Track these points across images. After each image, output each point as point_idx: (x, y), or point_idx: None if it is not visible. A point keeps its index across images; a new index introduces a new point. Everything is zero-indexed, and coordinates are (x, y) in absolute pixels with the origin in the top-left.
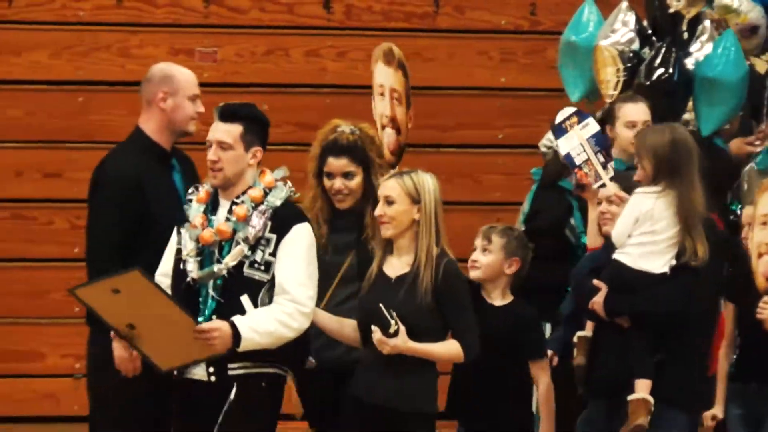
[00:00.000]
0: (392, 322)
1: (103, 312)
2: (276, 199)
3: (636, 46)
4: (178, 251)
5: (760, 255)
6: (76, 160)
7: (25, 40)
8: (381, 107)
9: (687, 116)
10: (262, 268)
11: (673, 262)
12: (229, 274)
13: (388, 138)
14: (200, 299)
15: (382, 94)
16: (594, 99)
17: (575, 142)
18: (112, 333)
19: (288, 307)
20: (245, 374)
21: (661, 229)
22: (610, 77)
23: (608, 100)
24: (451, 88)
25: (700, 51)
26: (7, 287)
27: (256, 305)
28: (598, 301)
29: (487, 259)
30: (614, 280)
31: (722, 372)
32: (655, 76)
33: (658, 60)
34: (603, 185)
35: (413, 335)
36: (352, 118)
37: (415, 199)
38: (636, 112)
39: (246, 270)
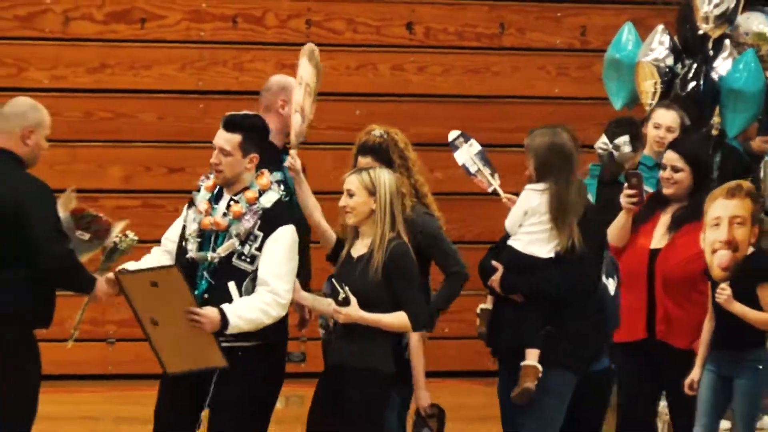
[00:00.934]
0: (341, 292)
1: (135, 301)
2: (267, 201)
3: (671, 61)
4: (183, 228)
5: (714, 251)
6: (197, 157)
7: (155, 56)
8: (297, 96)
9: (713, 120)
10: (248, 260)
11: (558, 248)
12: (220, 262)
13: (295, 122)
14: (197, 275)
15: (299, 84)
16: (632, 107)
17: (467, 156)
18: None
19: (267, 297)
20: (229, 347)
21: (546, 220)
22: (649, 88)
23: (647, 108)
24: (514, 96)
25: (722, 66)
26: None
27: (240, 291)
28: (495, 279)
29: None
30: (508, 262)
31: (704, 340)
32: (689, 88)
33: (690, 74)
34: (495, 190)
35: (366, 306)
36: (430, 123)
37: (372, 192)
38: (664, 116)
39: (234, 260)
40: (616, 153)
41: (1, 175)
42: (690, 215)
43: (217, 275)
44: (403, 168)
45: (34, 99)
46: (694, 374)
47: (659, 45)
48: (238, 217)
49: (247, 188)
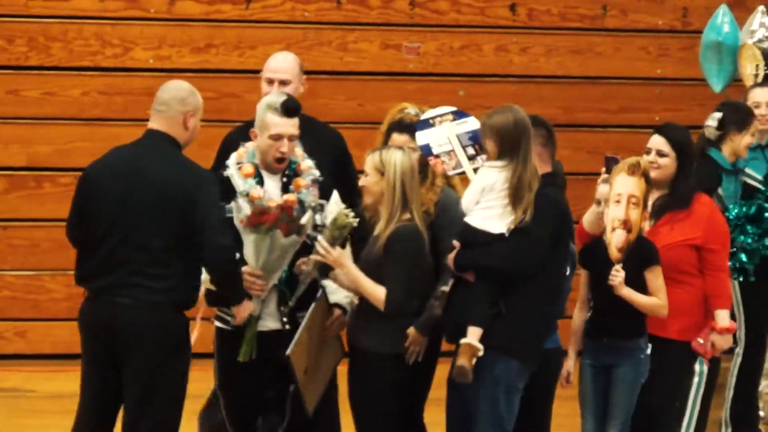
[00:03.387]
0: (319, 237)
1: (299, 370)
2: (316, 170)
3: None
4: (230, 222)
5: (613, 229)
6: None
7: (260, 37)
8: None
9: None
10: (320, 229)
11: (511, 226)
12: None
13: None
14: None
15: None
16: (726, 88)
17: (441, 135)
18: None
19: None
20: None
21: (501, 197)
22: (753, 71)
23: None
24: (617, 77)
25: None
26: None
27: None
28: (450, 257)
29: None
30: (463, 239)
31: (576, 330)
32: None
33: None
34: (462, 173)
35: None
36: (533, 103)
37: (381, 172)
38: (761, 94)
39: (311, 232)
40: (704, 129)
41: (169, 160)
42: (672, 204)
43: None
44: None
45: (139, 80)
46: (569, 366)
47: (760, 27)
48: (303, 190)
49: (295, 163)
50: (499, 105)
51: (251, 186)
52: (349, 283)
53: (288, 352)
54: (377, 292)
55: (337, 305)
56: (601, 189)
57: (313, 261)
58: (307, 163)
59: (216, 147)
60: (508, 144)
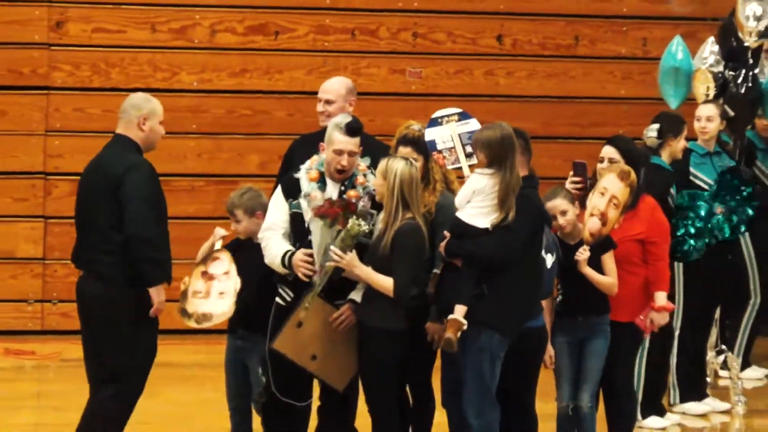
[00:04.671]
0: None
1: (294, 355)
2: (372, 183)
3: (720, 68)
4: (296, 215)
5: (591, 215)
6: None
7: (286, 63)
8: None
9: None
10: (368, 235)
11: (495, 222)
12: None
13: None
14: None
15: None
16: (680, 106)
17: (445, 133)
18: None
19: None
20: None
21: (489, 199)
22: (705, 91)
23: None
24: (588, 97)
25: (761, 72)
26: None
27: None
28: (442, 245)
29: None
30: (453, 230)
31: (549, 313)
32: (743, 89)
33: (740, 79)
34: (459, 168)
35: (375, 270)
36: (517, 119)
37: (385, 177)
38: (702, 109)
39: (361, 239)
40: (644, 138)
41: (118, 155)
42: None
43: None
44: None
45: (184, 100)
46: (551, 351)
47: (711, 54)
48: (357, 199)
49: (354, 176)
50: (489, 122)
51: (312, 188)
52: (361, 279)
53: (272, 344)
54: (387, 283)
55: (350, 300)
56: (558, 202)
57: (331, 266)
58: (365, 178)
59: (250, 156)
60: (496, 155)
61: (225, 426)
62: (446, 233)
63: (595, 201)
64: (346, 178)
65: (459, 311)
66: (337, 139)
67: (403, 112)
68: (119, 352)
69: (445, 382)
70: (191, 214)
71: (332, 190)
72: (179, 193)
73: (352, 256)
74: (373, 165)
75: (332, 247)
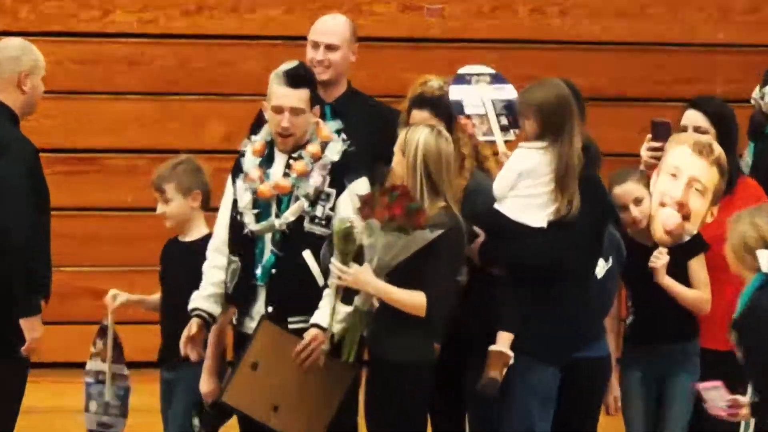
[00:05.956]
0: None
1: (249, 408)
2: (333, 153)
3: None
4: (235, 202)
5: (662, 204)
6: None
7: None
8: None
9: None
10: (323, 222)
11: (552, 217)
12: (288, 229)
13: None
14: (256, 252)
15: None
16: None
17: (476, 95)
18: None
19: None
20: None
21: (543, 184)
22: None
23: None
24: (672, 44)
25: None
26: None
27: (318, 260)
28: (473, 248)
29: None
30: (492, 229)
31: (614, 339)
32: None
33: None
34: (492, 141)
35: (398, 279)
36: (574, 73)
37: (404, 152)
38: None
39: (307, 225)
40: (762, 102)
41: None
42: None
43: (287, 245)
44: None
45: (120, 47)
46: (616, 391)
47: None
48: (304, 175)
49: (306, 143)
50: (534, 75)
51: (252, 165)
52: (378, 298)
53: (222, 397)
54: (414, 299)
55: (315, 326)
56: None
57: (335, 285)
58: (323, 147)
59: (209, 124)
60: (550, 123)
61: None
62: (479, 231)
63: (665, 186)
64: (294, 145)
65: (504, 340)
66: (275, 92)
67: (418, 65)
68: None
69: (472, 421)
70: (129, 205)
71: (279, 166)
72: (113, 176)
73: (358, 269)
74: (377, 136)
75: (333, 260)
